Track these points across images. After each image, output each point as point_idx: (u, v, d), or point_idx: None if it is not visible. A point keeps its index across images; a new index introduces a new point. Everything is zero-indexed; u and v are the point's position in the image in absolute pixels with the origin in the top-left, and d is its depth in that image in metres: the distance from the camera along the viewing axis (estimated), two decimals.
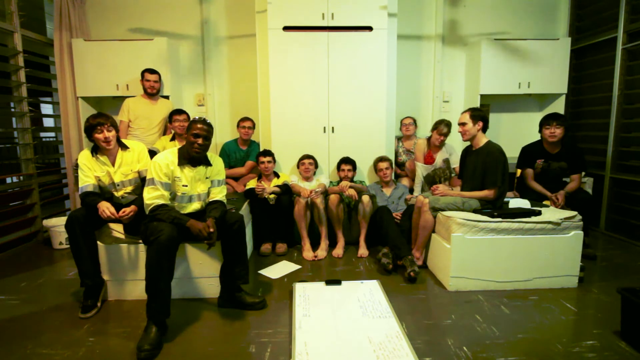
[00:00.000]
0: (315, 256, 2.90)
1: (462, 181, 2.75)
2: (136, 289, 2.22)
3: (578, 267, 2.35)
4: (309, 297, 2.18)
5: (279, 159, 3.34)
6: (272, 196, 2.99)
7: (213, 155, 2.22)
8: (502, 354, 1.69)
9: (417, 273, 2.43)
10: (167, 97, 3.58)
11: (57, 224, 3.12)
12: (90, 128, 2.06)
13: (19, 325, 1.97)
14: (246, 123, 3.41)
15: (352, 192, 2.92)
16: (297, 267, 2.73)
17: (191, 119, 2.15)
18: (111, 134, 2.10)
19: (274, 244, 3.06)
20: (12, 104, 3.37)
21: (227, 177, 3.34)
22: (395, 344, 1.71)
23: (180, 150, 2.07)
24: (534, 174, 3.04)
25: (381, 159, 3.19)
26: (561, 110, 3.78)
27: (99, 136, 2.07)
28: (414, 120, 3.65)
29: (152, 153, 2.31)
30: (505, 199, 2.63)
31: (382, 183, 3.25)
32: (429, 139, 3.27)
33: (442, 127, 3.13)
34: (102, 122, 2.06)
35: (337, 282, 2.37)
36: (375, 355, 1.64)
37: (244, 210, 2.81)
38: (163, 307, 1.80)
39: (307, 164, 3.17)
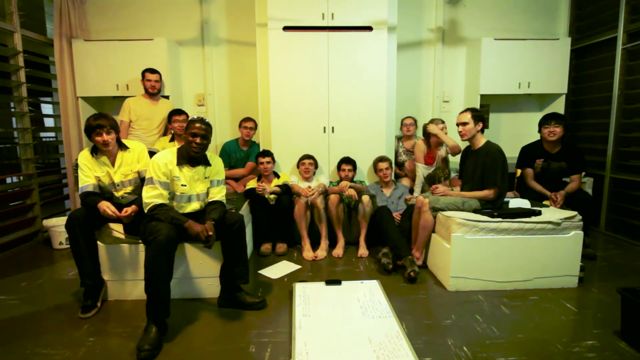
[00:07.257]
0: (315, 256, 2.90)
1: (462, 181, 2.75)
2: (136, 289, 2.22)
3: (578, 267, 2.35)
4: (309, 297, 2.18)
5: (279, 159, 3.34)
6: (272, 196, 2.99)
7: (212, 155, 2.21)
8: (502, 354, 1.69)
9: (417, 273, 2.43)
10: (167, 97, 3.58)
11: (57, 224, 3.12)
12: (90, 129, 2.06)
13: (19, 325, 1.97)
14: (248, 123, 3.41)
15: (352, 192, 2.92)
16: (297, 267, 2.73)
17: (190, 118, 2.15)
18: (110, 137, 2.09)
19: (274, 244, 3.06)
20: (12, 104, 3.37)
21: (227, 177, 3.34)
22: (395, 344, 1.71)
23: (179, 150, 2.07)
24: (533, 174, 3.04)
25: (381, 159, 3.19)
26: (561, 110, 3.78)
27: (98, 139, 2.07)
28: (415, 121, 3.65)
29: (152, 154, 2.31)
30: (505, 199, 2.63)
31: (382, 183, 3.25)
32: (427, 140, 3.27)
33: (437, 120, 3.20)
34: (102, 124, 2.05)
35: (337, 282, 2.37)
36: (375, 355, 1.64)
37: (244, 210, 2.81)
38: (163, 307, 1.81)
39: (307, 164, 3.17)
